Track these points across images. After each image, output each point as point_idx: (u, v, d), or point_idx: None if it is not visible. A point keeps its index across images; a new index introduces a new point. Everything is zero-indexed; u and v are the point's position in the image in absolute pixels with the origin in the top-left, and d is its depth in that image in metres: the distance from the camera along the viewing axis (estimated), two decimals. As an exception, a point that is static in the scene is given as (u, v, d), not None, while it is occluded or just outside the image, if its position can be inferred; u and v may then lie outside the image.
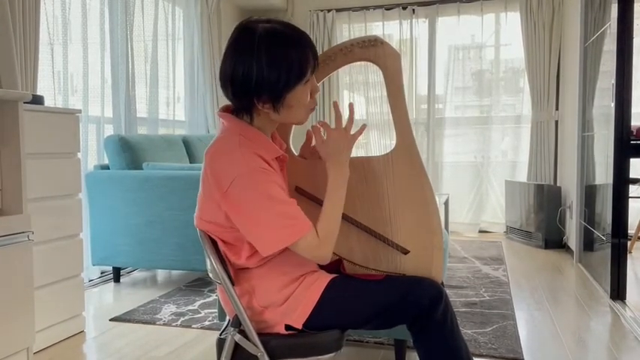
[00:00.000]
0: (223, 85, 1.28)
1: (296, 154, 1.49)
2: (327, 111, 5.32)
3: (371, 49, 1.41)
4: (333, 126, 1.38)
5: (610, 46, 3.02)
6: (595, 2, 3.55)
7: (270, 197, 1.20)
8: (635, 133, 3.50)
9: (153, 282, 3.46)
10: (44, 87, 3.07)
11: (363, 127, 1.39)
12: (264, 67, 1.21)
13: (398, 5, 5.16)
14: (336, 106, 1.38)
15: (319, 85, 1.38)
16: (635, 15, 2.91)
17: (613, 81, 2.91)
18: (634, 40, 2.95)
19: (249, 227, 1.23)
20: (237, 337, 1.29)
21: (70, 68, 3.28)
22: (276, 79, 1.22)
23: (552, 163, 4.81)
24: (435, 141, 5.20)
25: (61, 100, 3.22)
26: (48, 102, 3.05)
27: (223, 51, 1.29)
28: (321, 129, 1.37)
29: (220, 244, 1.31)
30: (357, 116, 5.32)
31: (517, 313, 2.74)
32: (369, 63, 1.44)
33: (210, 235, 1.31)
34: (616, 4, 2.89)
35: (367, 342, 2.33)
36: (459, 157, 5.22)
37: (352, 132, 1.37)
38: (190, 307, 2.86)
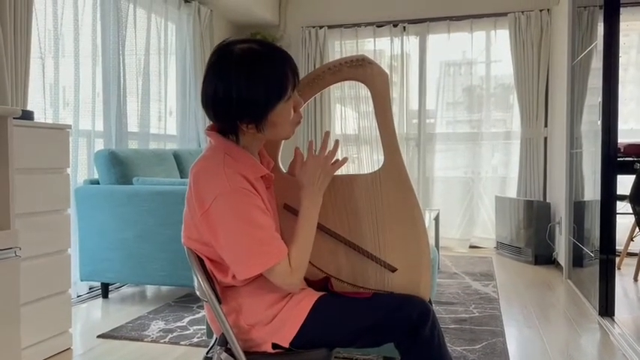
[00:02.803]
0: (205, 108, 1.28)
1: (285, 170, 1.50)
2: (319, 123, 5.34)
3: (359, 69, 1.42)
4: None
5: (597, 64, 3.07)
6: (582, 21, 3.61)
7: (249, 221, 1.21)
8: (622, 150, 3.55)
9: (142, 298, 3.43)
10: (35, 100, 3.07)
11: (345, 159, 1.40)
12: (243, 88, 1.21)
13: (389, 23, 5.22)
14: (326, 136, 1.39)
15: (310, 100, 1.40)
16: (622, 33, 2.96)
17: (600, 99, 2.95)
18: (621, 58, 3.00)
19: (226, 251, 1.23)
20: (224, 356, 1.28)
21: (61, 82, 3.28)
22: (256, 100, 1.22)
23: (542, 180, 4.85)
24: (425, 156, 5.23)
25: (51, 114, 3.21)
26: (38, 115, 3.04)
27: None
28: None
29: (207, 262, 1.31)
30: (349, 130, 5.35)
31: (506, 329, 2.74)
32: None
33: (197, 253, 1.31)
34: (602, 23, 2.93)
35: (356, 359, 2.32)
36: (449, 173, 5.25)
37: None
38: (179, 324, 2.84)
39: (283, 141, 1.48)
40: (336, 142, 1.41)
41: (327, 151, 1.38)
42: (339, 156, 1.41)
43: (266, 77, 1.22)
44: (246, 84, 1.21)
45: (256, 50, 1.24)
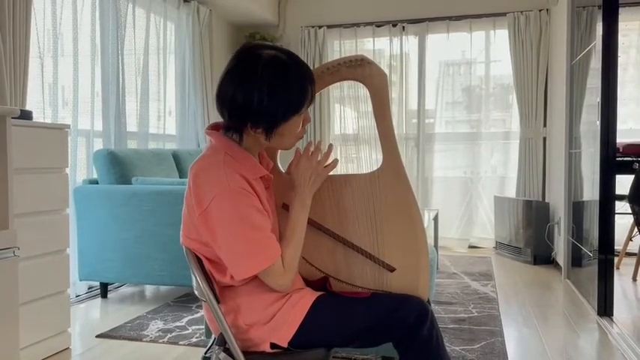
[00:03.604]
0: (220, 106, 1.28)
1: (283, 171, 1.50)
2: (318, 123, 5.34)
3: (358, 69, 1.42)
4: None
5: (596, 64, 3.07)
6: (581, 21, 3.61)
7: (247, 222, 1.21)
8: (621, 150, 3.55)
9: (141, 297, 3.43)
10: (34, 100, 3.06)
11: (335, 161, 1.41)
12: (265, 98, 1.22)
13: (388, 22, 5.22)
14: (319, 143, 1.40)
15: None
16: (621, 33, 2.96)
17: (598, 99, 2.95)
18: (620, 58, 2.99)
19: (224, 251, 1.24)
20: (222, 356, 1.28)
21: (60, 81, 3.28)
22: (274, 111, 1.24)
23: (541, 180, 4.85)
24: (424, 156, 5.23)
25: (50, 114, 3.21)
26: (37, 115, 3.04)
27: (218, 68, 1.30)
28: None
29: (205, 262, 1.31)
30: (348, 130, 5.35)
31: (505, 329, 2.75)
32: None
33: (195, 252, 1.31)
34: (601, 23, 2.93)
35: (355, 359, 2.32)
36: (448, 172, 5.25)
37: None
38: (178, 324, 2.84)
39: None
40: (330, 145, 1.42)
41: (322, 153, 1.38)
42: (341, 162, 1.42)
43: (289, 90, 1.24)
44: (268, 93, 1.22)
45: (283, 60, 1.25)
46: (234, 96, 1.23)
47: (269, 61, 1.23)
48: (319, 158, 1.38)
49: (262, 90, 1.21)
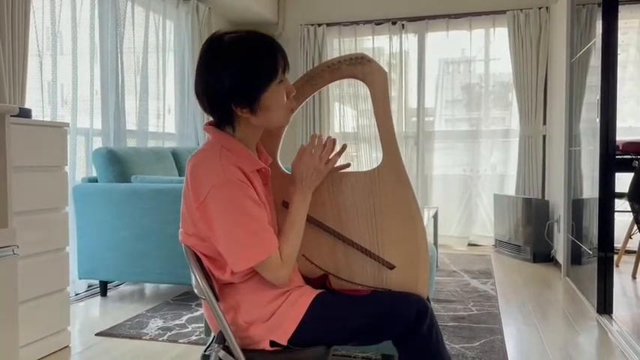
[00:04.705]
0: (200, 100, 1.30)
1: (284, 168, 1.50)
2: (318, 122, 5.33)
3: (358, 67, 1.42)
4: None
5: (595, 61, 3.07)
6: (581, 19, 3.61)
7: (244, 212, 1.22)
8: (620, 148, 3.55)
9: (140, 296, 3.43)
10: (33, 98, 3.06)
11: (335, 159, 1.41)
12: (234, 73, 1.23)
13: (387, 20, 5.21)
14: (320, 137, 1.40)
15: (310, 98, 1.41)
16: (620, 31, 2.95)
17: (598, 96, 2.95)
18: (619, 55, 2.99)
19: (222, 243, 1.24)
20: (222, 354, 1.28)
21: (59, 80, 3.27)
22: (248, 82, 1.24)
23: (540, 177, 4.85)
24: (424, 154, 5.23)
25: (49, 112, 3.21)
26: (36, 113, 3.04)
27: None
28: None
29: (204, 259, 1.31)
30: (348, 129, 5.35)
31: (505, 327, 2.75)
32: None
33: (194, 249, 1.31)
34: (601, 21, 2.93)
35: (355, 357, 2.32)
36: (448, 170, 5.25)
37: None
38: (177, 322, 2.84)
39: (283, 141, 1.49)
40: (334, 140, 1.41)
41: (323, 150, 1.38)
42: (341, 160, 1.42)
43: (255, 60, 1.25)
44: (236, 68, 1.23)
45: (245, 37, 1.28)
46: (207, 84, 1.26)
47: (231, 42, 1.26)
48: (321, 154, 1.38)
49: (229, 67, 1.23)
